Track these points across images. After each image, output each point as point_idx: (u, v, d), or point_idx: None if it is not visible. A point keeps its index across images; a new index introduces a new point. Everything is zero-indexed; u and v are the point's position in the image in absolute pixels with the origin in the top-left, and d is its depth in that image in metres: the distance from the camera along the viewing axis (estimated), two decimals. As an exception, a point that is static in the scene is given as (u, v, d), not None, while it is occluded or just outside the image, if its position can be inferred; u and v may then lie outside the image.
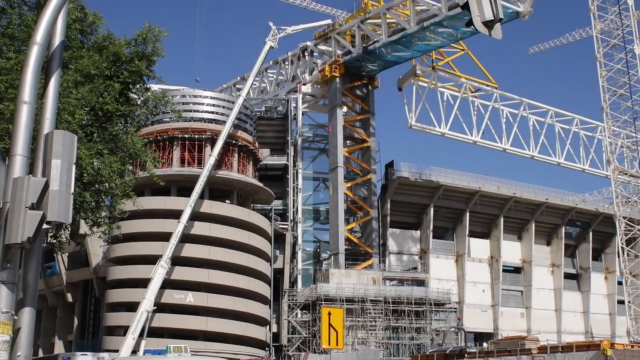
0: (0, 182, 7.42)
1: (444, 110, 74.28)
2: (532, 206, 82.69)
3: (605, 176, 72.36)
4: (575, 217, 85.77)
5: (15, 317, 7.39)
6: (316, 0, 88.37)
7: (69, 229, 20.12)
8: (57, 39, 8.56)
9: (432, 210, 77.87)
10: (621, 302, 61.69)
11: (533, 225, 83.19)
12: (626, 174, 56.19)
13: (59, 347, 71.38)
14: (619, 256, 57.42)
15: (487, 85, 77.57)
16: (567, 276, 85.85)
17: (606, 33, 55.49)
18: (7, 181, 7.35)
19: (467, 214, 79.50)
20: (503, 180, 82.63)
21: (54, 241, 21.78)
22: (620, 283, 64.27)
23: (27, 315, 7.55)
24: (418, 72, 72.10)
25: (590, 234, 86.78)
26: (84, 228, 22.26)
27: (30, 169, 7.61)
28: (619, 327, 76.45)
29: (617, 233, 54.81)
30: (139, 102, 20.27)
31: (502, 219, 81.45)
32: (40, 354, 68.22)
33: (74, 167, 7.66)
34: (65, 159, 7.52)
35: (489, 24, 12.92)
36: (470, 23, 13.17)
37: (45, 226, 7.43)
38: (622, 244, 53.86)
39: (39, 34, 7.92)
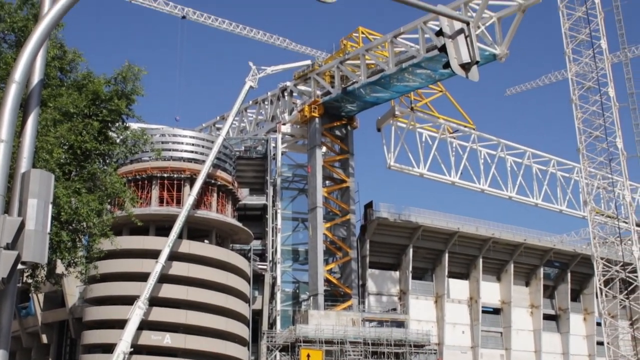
0: (-25, 221, 7.35)
1: (423, 150, 74.69)
2: (511, 247, 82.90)
3: (582, 217, 72.75)
4: (554, 257, 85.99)
5: (-12, 360, 7.25)
6: (296, 41, 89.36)
7: (45, 268, 19.88)
8: (36, 77, 8.54)
9: (411, 250, 77.87)
10: (600, 343, 61.66)
11: (512, 266, 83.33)
12: (603, 215, 56.53)
13: (32, 390, 70.33)
14: (597, 297, 57.50)
15: (465, 126, 78.07)
16: (546, 317, 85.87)
17: (581, 76, 56.22)
18: (-18, 220, 7.28)
19: (446, 255, 79.56)
20: (481, 221, 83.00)
21: (30, 281, 21.50)
22: (599, 324, 64.29)
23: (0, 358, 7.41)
24: (397, 112, 72.55)
25: (569, 274, 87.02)
26: (60, 268, 21.98)
27: (6, 208, 7.53)
28: (598, 368, 76.43)
29: (595, 274, 54.94)
30: (118, 141, 20.22)
31: (480, 260, 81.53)
32: (13, 397, 67.07)
33: (50, 206, 7.59)
34: (41, 198, 7.45)
35: (466, 66, 13.09)
36: (447, 65, 13.33)
37: (20, 266, 7.34)
38: (600, 284, 53.95)
39: (18, 72, 7.90)
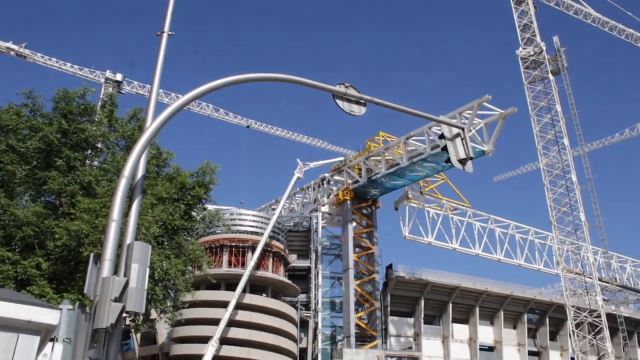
0: (93, 280, 7.46)
1: (430, 224, 74.20)
2: (501, 298, 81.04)
3: (556, 274, 71.01)
4: (535, 306, 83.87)
5: (99, 386, 7.26)
6: (332, 142, 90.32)
7: (143, 315, 19.87)
8: (140, 173, 8.77)
9: (422, 302, 76.50)
10: (574, 375, 59.39)
11: (502, 313, 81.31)
12: (572, 272, 55.14)
13: (131, 411, 69.22)
14: (570, 337, 55.61)
15: (463, 205, 77.62)
16: (531, 353, 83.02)
17: (550, 166, 55.83)
18: (98, 279, 7.39)
19: (450, 305, 77.98)
20: (477, 278, 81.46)
21: (131, 324, 21.50)
22: (573, 359, 61.96)
23: (108, 385, 7.42)
24: (410, 195, 72.48)
25: (547, 319, 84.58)
26: (153, 314, 21.96)
27: (115, 270, 7.65)
28: (573, 397, 73.27)
29: (568, 318, 53.26)
30: (198, 219, 20.39)
31: (477, 308, 79.72)
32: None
33: (147, 269, 7.69)
34: (141, 263, 7.56)
35: (462, 161, 13.13)
36: (448, 160, 13.39)
37: (124, 315, 7.40)
38: (572, 327, 52.26)
39: (127, 169, 8.13)
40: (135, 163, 8.27)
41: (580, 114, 67.26)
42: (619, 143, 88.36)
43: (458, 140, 13.39)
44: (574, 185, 54.93)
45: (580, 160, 65.75)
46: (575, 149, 64.15)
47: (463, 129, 13.65)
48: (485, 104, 54.29)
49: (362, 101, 11.45)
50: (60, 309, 6.66)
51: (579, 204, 54.51)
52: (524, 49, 64.72)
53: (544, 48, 63.89)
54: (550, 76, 60.97)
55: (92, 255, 7.73)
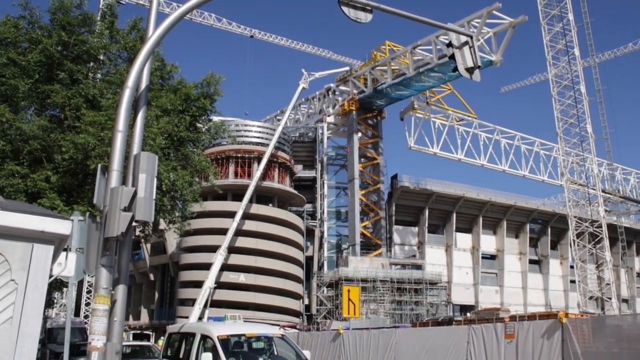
0: (102, 190, 7.55)
1: (436, 135, 74.10)
2: (504, 208, 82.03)
3: (559, 185, 71.38)
4: (537, 216, 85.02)
5: (112, 292, 7.51)
6: (337, 52, 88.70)
7: (151, 225, 20.27)
8: (143, 84, 8.68)
9: (427, 211, 77.54)
10: (573, 281, 60.76)
11: (505, 222, 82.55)
12: (576, 183, 55.33)
13: (144, 315, 72.03)
14: (571, 246, 56.60)
15: (468, 116, 77.18)
16: (531, 262, 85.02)
17: (559, 76, 54.80)
18: (107, 190, 7.47)
19: (454, 215, 79.09)
20: (481, 188, 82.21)
21: (141, 234, 21.95)
22: (572, 267, 63.30)
23: (121, 291, 7.66)
24: (415, 106, 71.97)
25: (549, 229, 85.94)
26: (162, 225, 22.37)
27: (123, 181, 7.72)
28: (571, 301, 75.39)
29: (570, 229, 53.99)
30: (203, 130, 20.36)
31: (481, 218, 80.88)
32: (130, 319, 68.80)
33: (155, 179, 7.75)
34: (149, 173, 7.61)
35: (470, 70, 12.92)
36: (456, 69, 13.19)
37: (133, 224, 7.54)
38: (573, 237, 53.03)
39: (130, 80, 8.05)
40: (139, 73, 8.18)
41: (592, 23, 65.60)
42: (630, 54, 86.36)
43: (466, 48, 13.12)
44: (583, 96, 54.19)
45: (590, 71, 64.64)
46: (586, 60, 62.94)
47: (471, 37, 13.33)
48: (494, 12, 52.83)
49: (369, 8, 11.15)
50: (72, 220, 6.79)
51: (586, 115, 53.98)
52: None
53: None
54: (563, -18, 58.86)
55: (99, 166, 7.78)
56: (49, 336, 27.95)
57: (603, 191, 62.20)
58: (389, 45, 71.75)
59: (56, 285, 18.26)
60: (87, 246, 7.35)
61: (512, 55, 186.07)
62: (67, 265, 10.55)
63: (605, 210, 54.94)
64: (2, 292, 4.97)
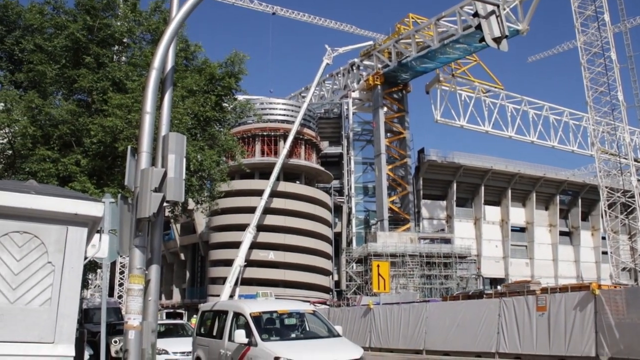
0: (132, 172, 7.63)
1: (462, 107, 73.61)
2: (533, 180, 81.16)
3: (590, 155, 70.26)
4: (567, 187, 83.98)
5: (146, 272, 7.62)
6: (360, 27, 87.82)
7: (181, 205, 20.43)
8: (169, 65, 8.71)
9: (455, 185, 77.10)
10: (605, 252, 60.09)
11: (534, 194, 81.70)
12: (606, 153, 54.41)
13: (176, 293, 73.23)
14: (602, 217, 55.82)
15: (495, 87, 76.35)
16: (562, 234, 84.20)
17: (588, 44, 53.65)
18: (137, 172, 7.55)
19: (482, 187, 78.51)
20: (510, 161, 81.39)
21: (171, 215, 22.16)
22: (603, 238, 62.52)
23: (154, 270, 7.78)
24: (441, 79, 71.35)
25: (580, 200, 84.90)
26: (191, 205, 22.56)
27: (153, 162, 7.79)
28: (603, 272, 74.64)
29: (601, 199, 53.22)
30: (229, 109, 20.35)
31: (509, 191, 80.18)
32: (163, 299, 70.04)
33: (184, 159, 7.80)
34: (177, 153, 7.67)
35: (497, 40, 12.71)
36: (482, 39, 12.97)
37: (164, 204, 7.62)
38: (604, 207, 52.31)
39: (156, 61, 8.08)
40: (164, 54, 8.20)
41: (622, -14, 63.77)
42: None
43: (492, 17, 12.87)
44: (613, 63, 53.01)
45: (621, 36, 63.14)
46: (617, 25, 61.42)
47: (498, 6, 13.07)
48: (520, -21, 51.83)
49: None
50: (103, 202, 6.88)
51: (617, 83, 52.86)
52: None
53: None
54: (591, -55, 57.30)
55: (129, 148, 7.85)
56: (85, 316, 28.56)
57: (635, 160, 61.09)
58: (412, 18, 70.87)
59: (90, 266, 18.59)
60: (120, 227, 7.45)
61: (539, 23, 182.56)
62: (101, 247, 10.73)
63: (638, 180, 53.95)
64: (40, 274, 5.08)
